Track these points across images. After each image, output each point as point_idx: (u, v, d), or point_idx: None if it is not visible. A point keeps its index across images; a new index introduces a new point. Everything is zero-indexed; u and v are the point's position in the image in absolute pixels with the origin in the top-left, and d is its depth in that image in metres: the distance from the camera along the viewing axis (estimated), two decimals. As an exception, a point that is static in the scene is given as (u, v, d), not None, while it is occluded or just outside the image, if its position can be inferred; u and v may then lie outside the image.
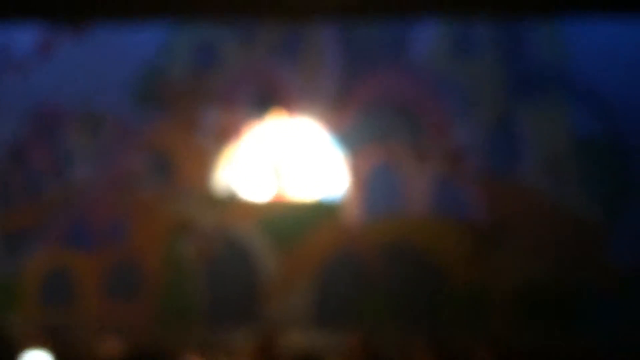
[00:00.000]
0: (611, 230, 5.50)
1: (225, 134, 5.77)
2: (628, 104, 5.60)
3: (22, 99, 5.83)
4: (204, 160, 5.76)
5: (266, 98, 5.83)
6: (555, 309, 5.48)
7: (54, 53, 5.86)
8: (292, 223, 5.67)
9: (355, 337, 4.98)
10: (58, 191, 5.76)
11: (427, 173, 5.66)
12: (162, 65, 5.87)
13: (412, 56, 5.82)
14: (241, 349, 5.01)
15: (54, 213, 5.73)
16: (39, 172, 5.79)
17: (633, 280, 5.42)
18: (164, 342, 5.26)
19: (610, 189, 5.56)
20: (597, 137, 5.63)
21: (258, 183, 5.75)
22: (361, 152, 5.72)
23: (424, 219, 5.63)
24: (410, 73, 5.80)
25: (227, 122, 5.79)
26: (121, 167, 5.77)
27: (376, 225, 5.63)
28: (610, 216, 5.52)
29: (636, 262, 5.43)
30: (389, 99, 5.77)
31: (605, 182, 5.57)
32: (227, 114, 5.80)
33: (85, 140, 5.81)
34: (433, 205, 5.64)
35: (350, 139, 5.74)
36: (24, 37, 5.89)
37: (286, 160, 5.78)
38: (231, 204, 5.71)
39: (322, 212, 5.68)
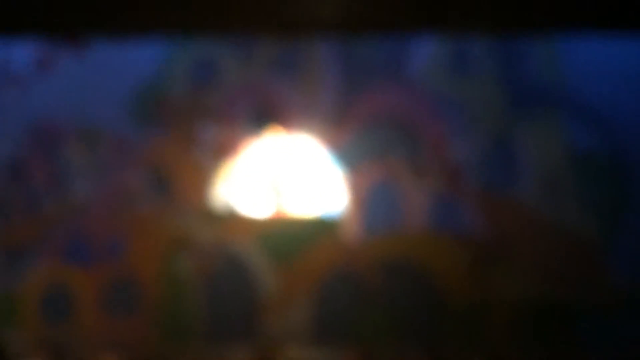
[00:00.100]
0: (610, 246, 5.52)
1: (223, 150, 5.77)
2: (626, 120, 5.63)
3: (20, 115, 5.82)
4: (203, 176, 5.76)
5: (264, 114, 5.83)
6: (553, 325, 5.48)
7: (52, 69, 5.86)
8: (290, 239, 5.67)
9: (354, 354, 4.99)
10: (56, 207, 5.75)
11: (426, 190, 5.67)
12: (161, 82, 5.87)
13: (410, 73, 5.83)
14: (240, 365, 5.01)
15: (52, 228, 5.71)
16: (37, 187, 5.78)
17: (632, 296, 5.43)
18: (162, 357, 5.26)
19: (609, 205, 5.58)
20: (595, 154, 5.65)
21: (256, 199, 5.75)
22: (360, 169, 5.72)
23: (423, 235, 5.63)
24: (408, 90, 5.81)
25: (226, 138, 5.79)
26: (119, 183, 5.76)
27: (375, 242, 5.63)
28: (609, 232, 5.53)
29: (635, 278, 5.45)
30: (387, 115, 5.78)
31: (603, 198, 5.58)
32: (225, 130, 5.80)
33: (83, 156, 5.80)
34: (432, 222, 5.64)
35: (349, 156, 5.75)
36: (22, 52, 5.90)
37: (285, 176, 5.78)
38: (230, 220, 5.71)
39: (321, 229, 5.67)
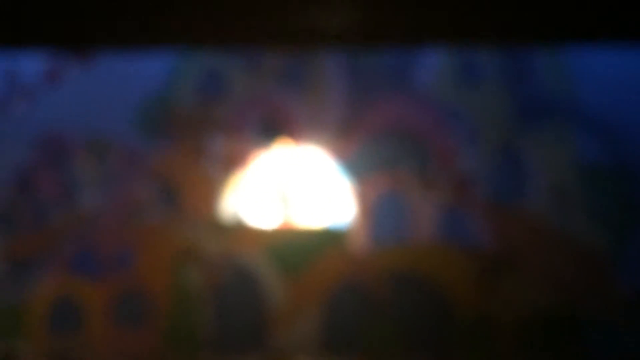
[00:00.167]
0: (619, 257, 5.52)
1: (231, 162, 5.79)
2: (634, 132, 5.63)
3: (29, 126, 5.84)
4: (211, 188, 5.77)
5: (272, 126, 5.85)
6: (562, 336, 5.48)
7: (61, 81, 5.88)
8: (299, 250, 5.68)
9: (363, 365, 4.99)
10: (65, 218, 5.76)
11: (434, 201, 5.67)
12: (169, 94, 5.89)
13: (417, 84, 5.84)
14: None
15: (61, 240, 5.72)
16: (45, 199, 5.79)
17: (641, 307, 5.44)
18: (171, 369, 5.27)
19: (617, 216, 5.58)
20: (604, 165, 5.65)
21: (265, 210, 5.76)
22: (368, 180, 5.73)
23: (431, 246, 5.63)
24: (415, 101, 5.82)
25: (234, 149, 5.80)
26: (128, 194, 5.77)
27: (383, 253, 5.64)
28: (618, 243, 5.53)
29: (644, 290, 5.46)
30: (395, 127, 5.79)
31: (611, 209, 5.58)
32: (233, 142, 5.81)
33: (92, 168, 5.82)
34: (440, 233, 5.65)
35: (357, 167, 5.76)
36: (30, 65, 5.92)
37: (293, 187, 5.79)
38: (238, 231, 5.71)
39: (329, 240, 5.68)
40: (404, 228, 5.67)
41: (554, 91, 5.76)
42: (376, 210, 5.70)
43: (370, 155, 5.76)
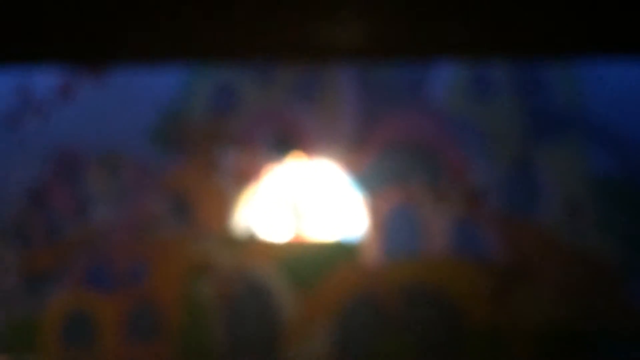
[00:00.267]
0: (632, 271, 5.51)
1: (244, 176, 5.80)
2: (646, 145, 5.64)
3: (42, 141, 5.87)
4: (223, 202, 5.78)
5: (285, 140, 5.86)
6: (574, 350, 5.47)
7: (73, 96, 5.90)
8: (311, 264, 5.68)
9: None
10: (78, 233, 5.78)
11: (446, 214, 5.67)
12: (181, 108, 5.90)
13: (429, 97, 5.85)
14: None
15: (74, 255, 5.74)
16: (58, 213, 5.81)
17: (654, 320, 5.43)
18: (184, 383, 5.27)
19: (630, 229, 5.57)
20: (616, 177, 5.64)
21: (277, 224, 5.76)
22: (380, 194, 5.74)
23: (444, 260, 5.63)
24: (428, 114, 5.83)
25: (246, 163, 5.81)
26: (141, 209, 5.79)
27: (395, 266, 5.64)
28: (630, 256, 5.53)
29: (657, 303, 5.45)
30: (407, 140, 5.80)
31: (624, 222, 5.58)
32: (246, 156, 5.83)
33: (105, 182, 5.84)
34: (452, 246, 5.65)
35: (369, 180, 5.76)
36: (44, 79, 5.94)
37: (305, 201, 5.79)
38: (250, 245, 5.72)
39: (341, 253, 5.68)
40: (416, 241, 5.67)
41: (567, 104, 5.76)
42: (388, 223, 5.70)
43: (383, 168, 5.76)
